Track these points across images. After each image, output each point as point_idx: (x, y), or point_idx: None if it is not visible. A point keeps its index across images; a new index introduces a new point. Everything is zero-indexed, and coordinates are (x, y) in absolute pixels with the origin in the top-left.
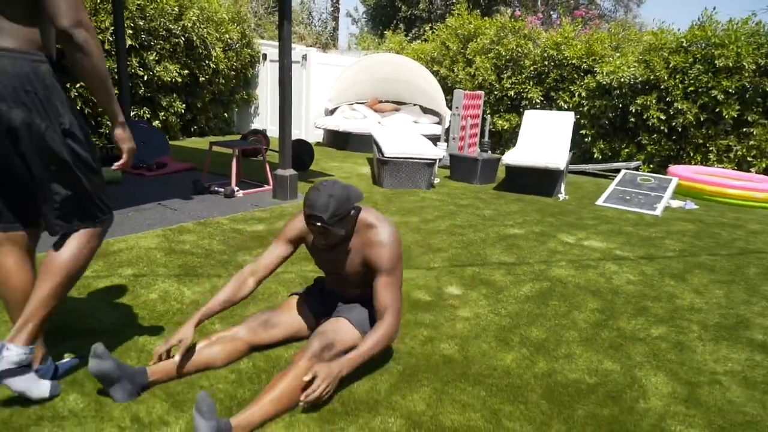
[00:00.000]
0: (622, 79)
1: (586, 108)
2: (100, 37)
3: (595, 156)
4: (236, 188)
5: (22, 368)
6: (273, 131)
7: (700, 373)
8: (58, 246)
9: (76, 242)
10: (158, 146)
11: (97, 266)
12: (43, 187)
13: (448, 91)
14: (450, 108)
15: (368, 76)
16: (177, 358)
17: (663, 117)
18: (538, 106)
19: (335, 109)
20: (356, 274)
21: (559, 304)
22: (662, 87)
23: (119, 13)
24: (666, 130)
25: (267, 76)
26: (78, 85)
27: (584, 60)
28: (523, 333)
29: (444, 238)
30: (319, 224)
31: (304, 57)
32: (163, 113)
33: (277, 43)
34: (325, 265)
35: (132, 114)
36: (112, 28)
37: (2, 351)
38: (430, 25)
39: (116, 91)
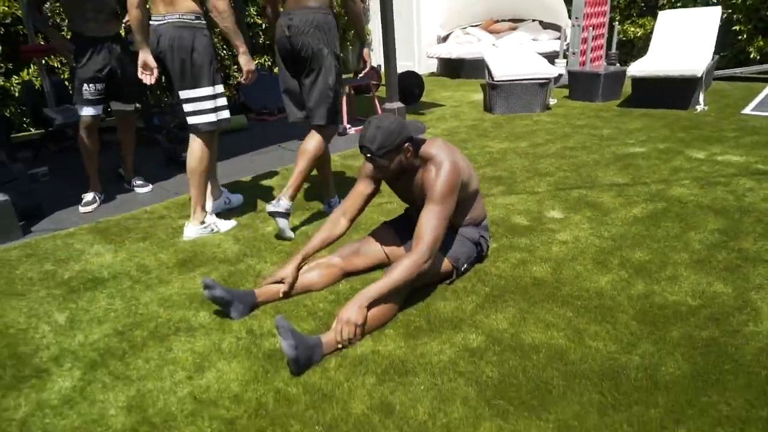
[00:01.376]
0: None
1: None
2: None
3: (752, 56)
4: (348, 125)
5: (286, 214)
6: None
7: None
8: (307, 139)
9: (316, 137)
10: (279, 92)
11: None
12: (313, 91)
13: (570, 1)
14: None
15: None
16: (282, 290)
17: None
18: (678, 5)
19: (448, 35)
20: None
21: (673, 225)
22: None
23: None
24: None
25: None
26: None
27: None
28: (624, 255)
29: (552, 162)
30: (368, 155)
31: None
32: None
33: None
34: (401, 197)
35: (254, 63)
36: None
37: (280, 201)
38: None
39: None
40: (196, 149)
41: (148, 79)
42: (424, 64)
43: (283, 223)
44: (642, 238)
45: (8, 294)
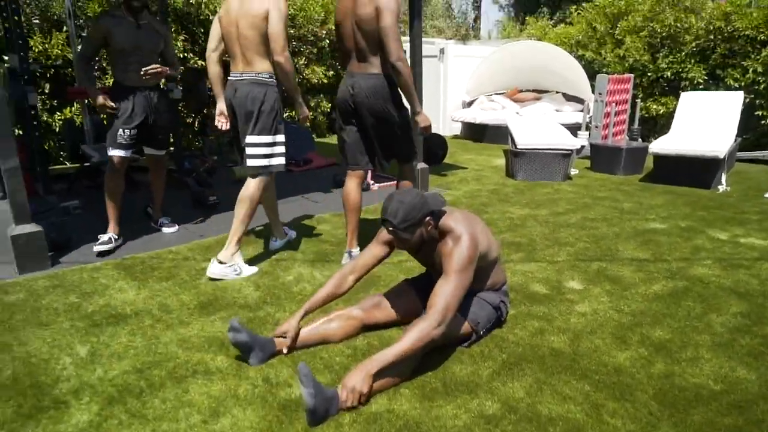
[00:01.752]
0: None
1: (762, 86)
2: None
3: None
4: (372, 182)
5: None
6: None
7: None
8: (402, 182)
9: (407, 176)
10: (305, 144)
11: (248, 251)
12: (383, 145)
13: (593, 76)
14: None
15: (507, 65)
16: (284, 346)
17: None
18: (700, 87)
19: (473, 101)
20: None
21: (694, 305)
22: None
23: None
24: None
25: None
26: None
27: (762, 30)
28: (644, 332)
29: (573, 232)
30: (390, 229)
31: (441, 51)
32: (311, 113)
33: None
34: (422, 263)
35: (284, 115)
36: None
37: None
38: (575, 6)
39: None
40: (251, 185)
41: (222, 125)
42: (448, 127)
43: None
44: (662, 316)
45: (33, 323)
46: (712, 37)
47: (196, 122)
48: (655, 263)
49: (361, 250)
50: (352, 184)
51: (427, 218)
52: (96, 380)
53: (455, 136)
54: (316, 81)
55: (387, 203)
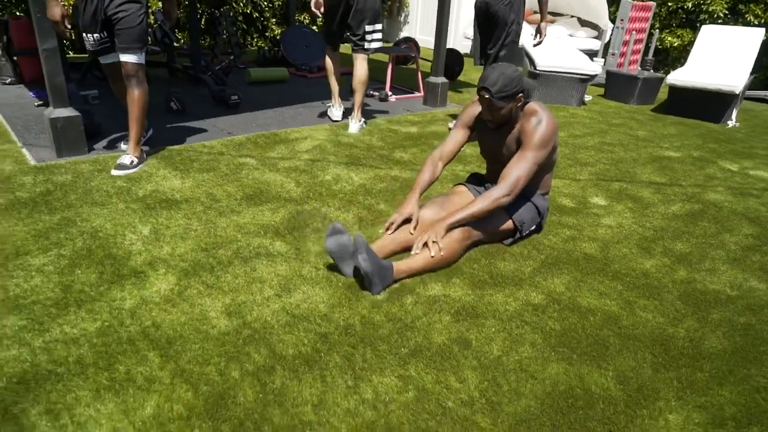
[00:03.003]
0: None
1: None
2: None
3: None
4: (390, 93)
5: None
6: (422, 40)
7: None
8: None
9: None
10: (319, 50)
11: (281, 150)
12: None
13: (612, 2)
14: (613, 21)
15: None
16: (412, 227)
17: None
18: (719, 21)
19: None
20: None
21: (709, 225)
22: None
23: None
24: None
25: None
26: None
27: None
28: (666, 245)
29: (592, 154)
30: (486, 96)
31: None
32: (321, 19)
33: None
34: (489, 150)
35: (296, 18)
36: None
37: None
38: None
39: None
40: (363, 67)
41: (319, 10)
42: (460, 44)
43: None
44: (681, 233)
45: (89, 203)
46: None
47: (203, 20)
48: (672, 187)
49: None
50: None
51: (520, 95)
52: (166, 255)
53: (466, 54)
54: None
55: (488, 72)
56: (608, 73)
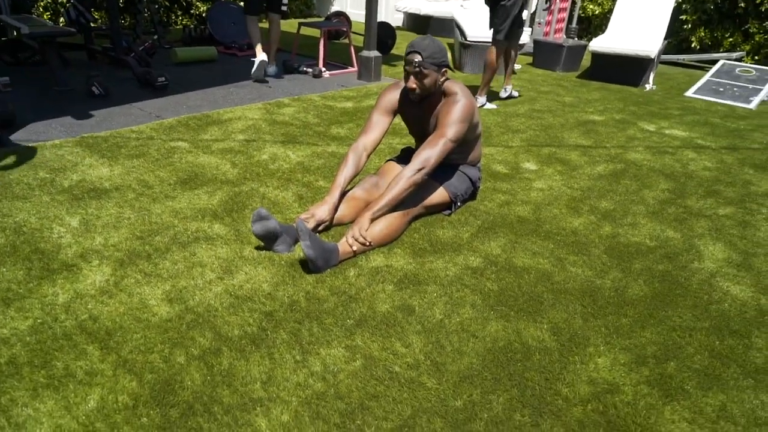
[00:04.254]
0: None
1: None
2: None
3: (693, 46)
4: (323, 69)
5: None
6: (353, 15)
7: (758, 246)
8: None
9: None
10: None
11: (214, 132)
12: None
13: None
14: None
15: None
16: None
17: None
18: None
19: None
20: None
21: (631, 183)
22: None
23: None
24: None
25: None
26: None
27: None
28: (592, 204)
29: (523, 121)
30: (417, 60)
31: None
32: None
33: None
34: (413, 126)
35: None
36: None
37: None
38: None
39: None
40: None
41: None
42: (391, 17)
43: (491, 105)
44: (606, 191)
45: (9, 197)
46: None
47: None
48: (597, 149)
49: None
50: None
51: (444, 69)
52: (99, 246)
53: (398, 27)
54: None
55: (418, 40)
56: (535, 42)
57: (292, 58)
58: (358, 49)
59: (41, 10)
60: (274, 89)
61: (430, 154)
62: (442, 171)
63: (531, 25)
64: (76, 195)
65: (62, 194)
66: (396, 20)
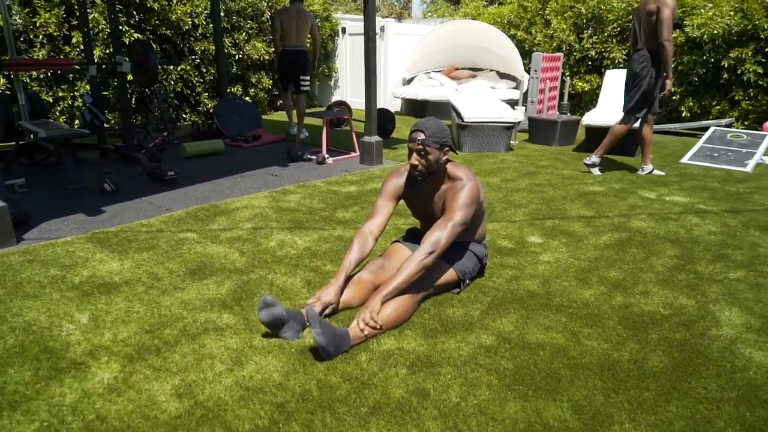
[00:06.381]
0: (715, 32)
1: (674, 65)
2: (196, 22)
3: (684, 115)
4: (326, 155)
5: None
6: (353, 102)
7: None
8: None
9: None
10: (253, 120)
11: (222, 221)
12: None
13: (525, 55)
14: (528, 72)
15: (444, 44)
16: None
17: (761, 71)
18: (620, 66)
19: (412, 78)
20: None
21: (638, 251)
22: (761, 37)
23: None
24: (765, 85)
25: (346, 49)
26: (179, 69)
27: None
28: (601, 274)
29: (524, 195)
30: (420, 138)
31: (382, 28)
32: (252, 89)
33: (354, 17)
34: (418, 209)
35: (227, 90)
36: (207, 11)
37: (591, 157)
38: None
39: (214, 71)
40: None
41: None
42: (389, 103)
43: (595, 170)
44: (613, 261)
45: (20, 296)
46: (631, 18)
47: (133, 99)
48: (600, 219)
49: None
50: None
51: (447, 148)
52: (108, 342)
53: (396, 112)
54: (257, 57)
55: (422, 121)
56: (530, 120)
57: (296, 146)
58: (359, 135)
59: (58, 114)
60: (280, 177)
61: (439, 237)
62: (449, 249)
63: (525, 104)
64: (86, 291)
65: (72, 290)
66: (394, 106)
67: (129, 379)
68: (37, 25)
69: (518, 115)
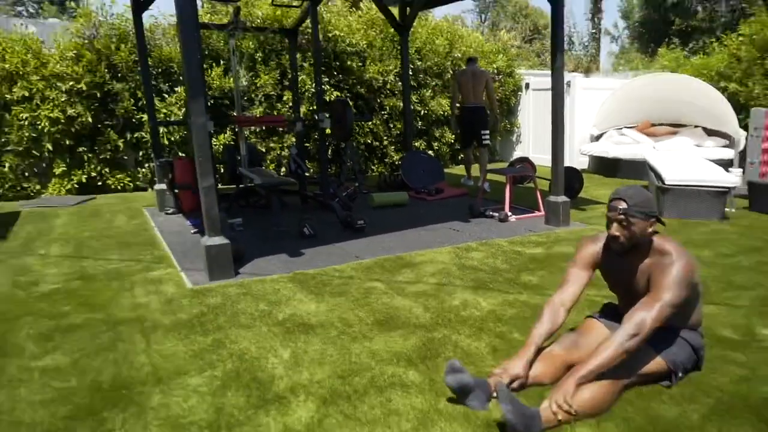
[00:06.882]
0: None
1: None
2: (386, 80)
3: None
4: (509, 213)
5: None
6: (535, 159)
7: None
8: None
9: None
10: (436, 173)
11: (407, 274)
12: None
13: (739, 110)
14: (745, 129)
15: (639, 98)
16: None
17: None
18: None
19: (601, 134)
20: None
21: None
22: None
23: (405, 57)
24: None
25: (529, 104)
26: (370, 124)
27: None
28: None
29: (749, 276)
30: (621, 207)
31: (568, 83)
32: (436, 143)
33: (538, 72)
34: (619, 284)
35: (412, 144)
36: (396, 70)
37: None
38: (712, 36)
39: (400, 125)
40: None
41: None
42: (575, 160)
43: None
44: None
45: (236, 325)
46: None
47: (329, 150)
48: None
49: None
50: None
51: (653, 219)
52: (306, 381)
53: (583, 170)
54: (441, 113)
55: (623, 188)
56: (750, 184)
57: (478, 202)
58: (544, 194)
59: (268, 162)
60: (462, 233)
61: (645, 318)
62: (657, 335)
63: (741, 166)
64: (288, 328)
65: (277, 326)
66: (581, 163)
67: (323, 422)
68: (258, 86)
69: (733, 178)
